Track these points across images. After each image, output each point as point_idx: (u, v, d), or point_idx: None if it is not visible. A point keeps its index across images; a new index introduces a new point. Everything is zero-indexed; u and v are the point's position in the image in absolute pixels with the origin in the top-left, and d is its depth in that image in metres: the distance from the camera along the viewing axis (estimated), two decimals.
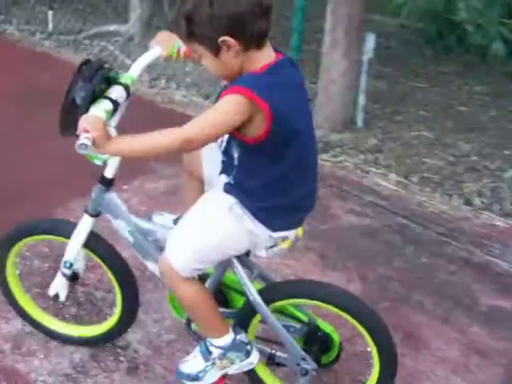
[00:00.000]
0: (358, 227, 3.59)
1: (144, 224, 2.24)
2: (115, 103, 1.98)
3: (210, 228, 1.99)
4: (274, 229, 1.98)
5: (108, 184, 2.20)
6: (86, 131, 1.75)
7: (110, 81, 2.03)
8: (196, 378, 2.19)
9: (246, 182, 1.93)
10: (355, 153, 4.45)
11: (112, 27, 6.33)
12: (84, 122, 1.78)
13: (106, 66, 2.01)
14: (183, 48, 2.17)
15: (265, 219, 1.96)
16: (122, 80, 2.06)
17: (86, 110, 1.89)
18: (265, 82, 1.75)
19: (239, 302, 2.28)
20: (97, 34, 6.27)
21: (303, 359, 2.21)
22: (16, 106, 4.67)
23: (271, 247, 2.04)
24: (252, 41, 1.75)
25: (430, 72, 5.99)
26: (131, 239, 2.24)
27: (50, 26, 6.35)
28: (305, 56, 5.17)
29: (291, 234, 2.04)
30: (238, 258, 2.13)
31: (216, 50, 1.77)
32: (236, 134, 1.81)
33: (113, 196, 2.23)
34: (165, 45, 2.17)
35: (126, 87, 2.04)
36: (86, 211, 2.25)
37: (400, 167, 4.30)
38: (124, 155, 1.93)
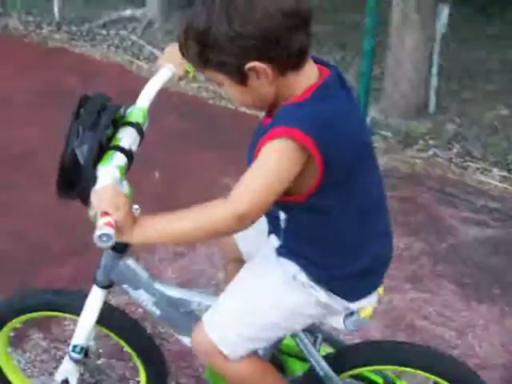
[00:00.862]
0: (484, 241, 3.11)
1: (175, 292, 1.77)
2: (129, 154, 1.47)
3: (270, 303, 1.57)
4: (352, 299, 1.57)
5: (122, 250, 1.71)
6: (106, 214, 1.31)
7: (117, 121, 1.53)
8: None
9: (303, 246, 1.53)
10: (441, 144, 3.97)
11: (127, 12, 5.69)
12: (99, 198, 1.34)
13: (109, 101, 1.51)
14: None
15: (339, 289, 1.55)
16: (132, 118, 1.55)
17: (93, 170, 1.41)
18: (312, 115, 1.33)
19: (298, 367, 1.88)
20: (111, 22, 5.63)
21: None
22: (40, 111, 4.08)
23: (348, 317, 1.63)
24: (290, 62, 1.33)
25: (503, 43, 5.42)
26: (158, 312, 1.78)
27: (57, 14, 5.69)
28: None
29: (373, 298, 1.62)
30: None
31: (242, 79, 1.34)
32: None
33: (129, 262, 1.74)
34: (176, 61, 1.68)
35: (139, 128, 1.54)
36: (96, 282, 1.75)
37: (496, 158, 3.83)
38: (155, 242, 1.47)
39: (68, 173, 1.45)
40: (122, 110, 1.55)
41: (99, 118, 1.44)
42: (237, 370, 1.62)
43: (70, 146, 1.45)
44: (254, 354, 1.65)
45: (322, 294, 1.53)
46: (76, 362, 1.86)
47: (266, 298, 1.56)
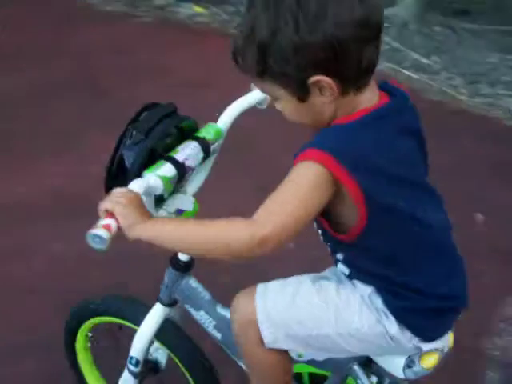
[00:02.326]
0: None
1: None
2: (181, 167, 1.45)
3: (335, 315, 1.42)
4: (425, 337, 1.42)
5: (184, 268, 1.72)
6: (111, 215, 1.26)
7: (185, 133, 1.52)
8: None
9: (371, 278, 1.41)
10: None
11: None
12: (111, 199, 1.28)
13: (177, 112, 1.51)
14: None
15: (413, 323, 1.40)
16: (201, 133, 1.54)
17: (138, 175, 1.40)
18: (354, 143, 1.22)
19: None
20: None
21: None
22: None
23: (410, 364, 1.45)
24: (356, 79, 1.22)
25: None
26: (219, 335, 1.73)
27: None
28: None
29: (442, 344, 1.45)
30: (360, 363, 1.54)
31: (303, 93, 1.23)
32: (326, 227, 1.34)
33: (191, 282, 1.74)
34: None
35: (204, 143, 1.52)
36: (158, 299, 1.76)
37: None
38: (161, 245, 1.29)
39: (114, 177, 1.44)
40: (193, 123, 1.54)
41: (157, 125, 1.44)
42: (261, 358, 1.50)
43: (120, 149, 1.44)
44: (286, 352, 1.52)
45: (393, 324, 1.40)
46: (132, 374, 1.86)
47: (332, 308, 1.42)
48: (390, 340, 1.41)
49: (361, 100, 1.25)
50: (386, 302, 1.40)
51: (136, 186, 1.35)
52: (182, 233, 1.29)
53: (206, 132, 1.54)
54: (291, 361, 1.57)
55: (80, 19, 4.86)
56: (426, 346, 1.44)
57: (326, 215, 1.29)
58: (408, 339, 1.41)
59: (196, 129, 1.54)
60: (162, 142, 1.46)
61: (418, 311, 1.39)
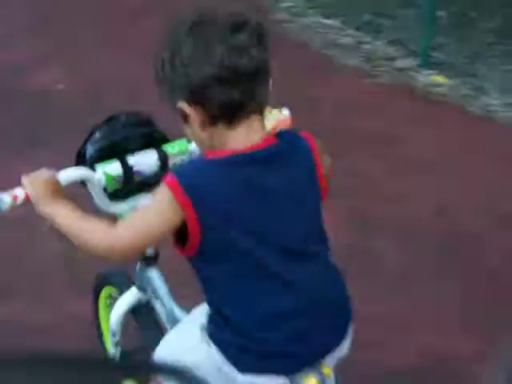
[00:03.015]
0: None
1: (181, 316, 1.82)
2: (128, 169, 1.67)
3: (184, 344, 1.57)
4: (241, 368, 1.45)
5: (147, 261, 1.89)
6: (23, 187, 1.56)
7: (154, 142, 1.73)
8: None
9: (209, 299, 1.54)
10: None
11: None
12: (29, 175, 1.57)
13: (152, 123, 1.76)
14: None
15: (230, 354, 1.47)
16: (167, 145, 1.72)
17: (91, 166, 1.68)
18: (204, 179, 1.38)
19: None
20: None
21: None
22: None
23: None
24: (218, 113, 1.37)
25: None
26: (168, 328, 1.86)
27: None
28: None
29: (278, 381, 1.47)
30: None
31: (183, 118, 1.43)
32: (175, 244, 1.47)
33: (153, 274, 1.91)
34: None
35: (163, 155, 1.70)
36: (134, 282, 1.99)
37: None
38: (53, 224, 1.51)
39: (76, 164, 1.71)
40: (163, 135, 1.76)
41: (122, 130, 1.71)
42: None
43: (85, 142, 1.72)
44: None
45: (216, 354, 1.49)
46: (113, 343, 2.13)
47: (182, 339, 1.62)
48: (219, 370, 1.48)
49: (233, 136, 1.39)
50: (209, 331, 1.51)
51: (65, 173, 1.63)
52: (67, 221, 1.50)
53: (171, 146, 1.73)
54: None
55: (317, 70, 4.71)
56: (247, 379, 1.46)
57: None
58: (230, 369, 1.47)
59: (167, 141, 1.74)
60: (123, 143, 1.70)
61: (236, 343, 1.46)
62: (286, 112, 1.74)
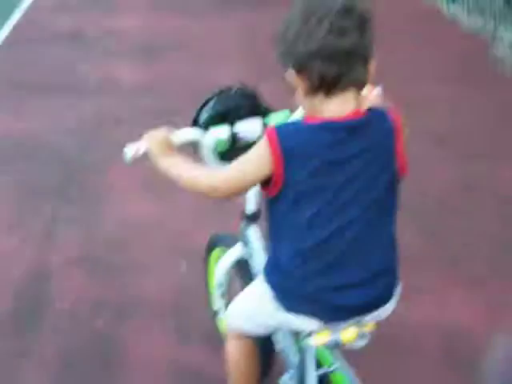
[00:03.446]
0: None
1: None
2: (233, 135, 1.90)
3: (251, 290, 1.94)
4: (288, 307, 1.73)
5: (248, 219, 2.14)
6: (144, 143, 1.84)
7: (259, 113, 1.96)
8: None
9: (270, 243, 1.80)
10: None
11: None
12: (148, 134, 1.86)
13: (257, 99, 1.99)
14: None
15: (279, 293, 1.74)
16: (270, 115, 1.96)
17: (205, 128, 1.93)
18: (299, 133, 1.60)
19: None
20: None
21: None
22: None
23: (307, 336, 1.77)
24: (317, 85, 1.57)
25: None
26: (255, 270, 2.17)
27: None
28: None
29: (316, 325, 1.71)
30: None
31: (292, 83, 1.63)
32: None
33: (252, 231, 2.16)
34: None
35: (266, 125, 1.93)
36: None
37: None
38: (169, 177, 1.79)
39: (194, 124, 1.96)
40: (267, 107, 1.98)
41: (231, 101, 1.95)
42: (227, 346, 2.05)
43: (200, 109, 1.96)
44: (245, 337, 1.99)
45: (270, 294, 1.76)
46: (219, 296, 2.45)
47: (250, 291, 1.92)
48: (275, 311, 1.77)
49: (329, 105, 1.59)
50: (266, 273, 1.79)
51: (180, 133, 1.89)
52: (179, 171, 1.76)
53: (274, 116, 1.95)
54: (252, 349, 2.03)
55: None
56: (292, 318, 1.72)
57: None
58: (278, 307, 1.75)
59: (270, 112, 1.96)
60: (233, 112, 1.93)
61: (284, 288, 1.72)
62: (378, 89, 1.87)
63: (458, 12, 6.97)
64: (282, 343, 2.12)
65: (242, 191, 1.71)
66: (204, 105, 1.98)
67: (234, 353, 2.02)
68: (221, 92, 1.99)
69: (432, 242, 3.37)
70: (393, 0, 7.22)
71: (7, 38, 6.65)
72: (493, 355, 1.69)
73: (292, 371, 2.06)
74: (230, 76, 4.96)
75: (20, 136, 4.57)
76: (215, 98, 1.98)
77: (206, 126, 1.93)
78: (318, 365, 1.89)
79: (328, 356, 1.88)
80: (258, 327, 1.92)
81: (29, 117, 4.89)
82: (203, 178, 1.70)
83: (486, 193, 3.80)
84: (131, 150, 1.85)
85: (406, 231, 3.07)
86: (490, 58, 5.75)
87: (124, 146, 1.89)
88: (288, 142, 1.57)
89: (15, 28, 6.94)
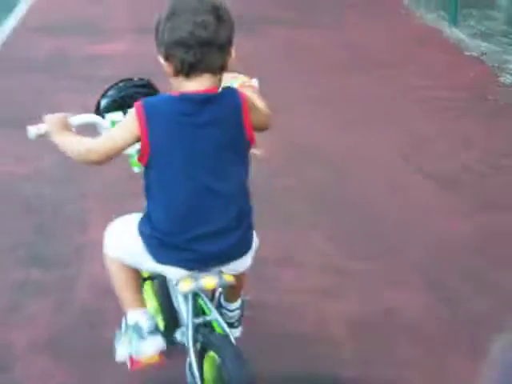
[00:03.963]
0: None
1: None
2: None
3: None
4: (157, 259, 2.08)
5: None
6: (45, 123, 2.18)
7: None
8: (118, 349, 2.31)
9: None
10: None
11: None
12: (47, 116, 2.20)
13: (153, 88, 2.32)
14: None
15: (148, 245, 2.08)
16: None
17: (102, 116, 2.28)
18: (159, 103, 1.99)
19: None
20: None
21: None
22: None
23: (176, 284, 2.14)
24: (178, 69, 1.94)
25: None
26: None
27: None
28: None
29: (182, 274, 2.07)
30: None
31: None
32: None
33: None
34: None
35: None
36: None
37: None
38: (62, 150, 2.13)
39: (94, 113, 2.31)
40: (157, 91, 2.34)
41: (128, 90, 2.31)
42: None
43: (101, 97, 2.32)
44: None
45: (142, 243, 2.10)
46: None
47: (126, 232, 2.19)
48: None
49: (188, 85, 1.97)
50: (139, 229, 2.11)
51: (78, 117, 2.24)
52: (68, 143, 2.10)
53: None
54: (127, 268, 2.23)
55: None
56: (161, 269, 2.10)
57: None
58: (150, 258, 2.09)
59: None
60: (127, 100, 2.23)
61: (152, 237, 2.06)
62: (254, 80, 2.27)
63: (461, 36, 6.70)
64: (173, 298, 2.33)
65: (115, 153, 2.02)
66: (104, 93, 2.31)
67: (115, 270, 2.24)
68: (120, 81, 2.34)
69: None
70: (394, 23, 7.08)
71: None
72: (493, 357, 1.61)
73: (183, 326, 2.24)
74: None
75: None
76: (114, 87, 2.32)
77: (105, 111, 2.28)
78: (200, 314, 2.18)
79: (208, 308, 2.17)
80: (138, 265, 2.22)
81: None
82: (84, 144, 2.05)
83: None
84: (34, 129, 2.19)
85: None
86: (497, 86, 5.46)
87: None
88: (151, 108, 1.95)
89: None
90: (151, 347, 2.20)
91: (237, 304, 2.46)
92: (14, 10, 8.24)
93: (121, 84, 2.31)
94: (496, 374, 1.51)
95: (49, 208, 3.85)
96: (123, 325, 2.29)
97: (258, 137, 2.07)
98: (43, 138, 2.19)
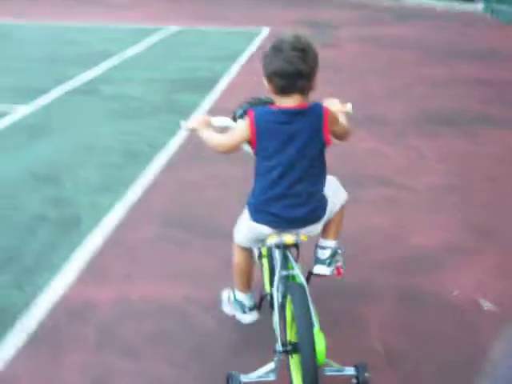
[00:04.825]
0: None
1: None
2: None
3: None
4: (254, 218, 2.81)
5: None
6: (192, 121, 3.01)
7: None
8: (223, 305, 3.27)
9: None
10: None
11: None
12: (196, 116, 3.55)
13: (270, 103, 2.86)
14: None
15: (250, 210, 2.84)
16: None
17: (234, 120, 3.03)
18: (265, 114, 2.70)
19: None
20: None
21: None
22: None
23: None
24: (276, 89, 2.68)
25: None
26: None
27: None
28: None
29: (269, 231, 2.78)
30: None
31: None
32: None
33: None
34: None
35: None
36: None
37: None
38: (204, 141, 2.93)
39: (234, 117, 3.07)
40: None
41: (249, 106, 3.00)
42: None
43: (237, 108, 3.08)
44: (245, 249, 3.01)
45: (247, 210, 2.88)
46: None
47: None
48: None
49: (283, 101, 2.67)
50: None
51: (218, 119, 3.01)
52: (206, 138, 2.88)
53: None
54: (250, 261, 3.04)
55: None
56: (255, 226, 2.80)
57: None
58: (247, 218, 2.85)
59: None
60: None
61: (250, 201, 2.83)
62: (349, 105, 2.95)
63: None
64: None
65: (236, 146, 2.79)
66: (239, 106, 3.05)
67: (237, 258, 3.01)
68: (252, 98, 3.06)
69: None
70: None
71: None
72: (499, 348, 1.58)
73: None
74: None
75: None
76: (245, 103, 3.04)
77: (239, 118, 3.00)
78: (287, 269, 2.82)
79: (292, 264, 2.82)
80: (248, 241, 2.94)
81: None
82: (218, 138, 2.85)
83: None
84: (185, 124, 3.01)
85: None
86: None
87: None
88: (259, 118, 2.67)
89: None
90: (249, 319, 3.16)
91: (329, 243, 3.07)
92: None
93: (252, 100, 3.04)
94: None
95: None
96: (231, 294, 3.18)
97: None
98: (192, 131, 3.00)
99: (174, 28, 13.41)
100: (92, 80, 8.84)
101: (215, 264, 3.62)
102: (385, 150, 6.10)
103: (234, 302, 3.14)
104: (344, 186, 3.06)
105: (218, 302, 3.33)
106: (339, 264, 3.09)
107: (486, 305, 3.54)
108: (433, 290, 3.69)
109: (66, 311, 3.52)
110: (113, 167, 5.62)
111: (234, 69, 9.68)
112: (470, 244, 4.26)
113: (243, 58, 10.44)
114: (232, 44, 11.85)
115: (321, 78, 2.70)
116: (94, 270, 3.93)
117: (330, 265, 3.05)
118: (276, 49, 2.62)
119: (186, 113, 7.01)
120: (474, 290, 3.69)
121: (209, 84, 8.55)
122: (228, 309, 3.22)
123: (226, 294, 3.23)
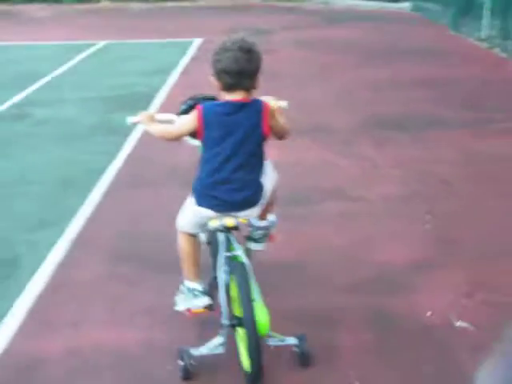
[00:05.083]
0: None
1: None
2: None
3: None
4: (198, 203, 3.07)
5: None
6: (139, 116, 3.28)
7: None
8: (177, 303, 3.33)
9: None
10: None
11: None
12: (141, 113, 3.30)
13: (214, 99, 3.17)
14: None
15: (195, 194, 3.10)
16: None
17: (179, 115, 3.26)
18: (213, 106, 3.01)
19: None
20: None
21: None
22: None
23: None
24: (223, 86, 2.96)
25: None
26: None
27: None
28: None
29: (211, 214, 3.02)
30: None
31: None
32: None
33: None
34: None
35: None
36: None
37: None
38: (151, 134, 3.25)
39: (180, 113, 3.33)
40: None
41: (195, 101, 3.24)
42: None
43: (181, 104, 3.35)
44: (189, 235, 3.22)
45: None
46: None
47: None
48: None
49: (228, 96, 2.97)
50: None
51: (161, 115, 3.34)
52: (154, 130, 3.21)
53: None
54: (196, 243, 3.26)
55: None
56: (198, 209, 3.06)
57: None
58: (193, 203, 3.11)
59: None
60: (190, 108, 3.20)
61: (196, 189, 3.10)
62: (284, 103, 3.20)
63: None
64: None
65: (183, 134, 3.08)
66: (183, 102, 3.29)
67: (184, 244, 3.20)
68: (195, 94, 3.31)
69: None
70: None
71: None
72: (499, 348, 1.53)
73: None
74: None
75: None
76: (189, 99, 3.29)
77: (182, 113, 3.22)
78: (230, 250, 3.05)
79: (234, 246, 3.04)
80: (193, 226, 3.15)
81: None
82: (165, 127, 3.16)
83: None
84: (131, 119, 3.28)
85: None
86: None
87: None
88: (207, 110, 2.96)
89: None
90: (201, 303, 3.22)
91: (264, 223, 3.27)
92: None
93: (196, 96, 3.28)
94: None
95: None
96: (182, 287, 3.27)
97: None
98: (137, 124, 3.31)
99: (104, 43, 12.99)
100: (21, 103, 8.40)
101: (171, 302, 3.34)
102: (334, 160, 5.91)
103: (186, 293, 3.25)
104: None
105: (176, 343, 3.15)
106: (271, 234, 3.38)
107: (461, 325, 3.37)
108: (403, 313, 3.51)
109: (12, 368, 3.21)
110: (50, 199, 5.27)
111: (171, 81, 9.40)
112: (436, 258, 4.10)
113: (178, 70, 10.17)
114: (167, 56, 11.55)
115: (260, 85, 2.98)
116: (38, 320, 3.60)
117: (263, 241, 3.34)
118: (225, 49, 2.90)
119: (123, 133, 6.68)
120: (447, 310, 3.52)
121: (146, 99, 8.22)
122: (182, 304, 3.28)
123: (178, 295, 3.32)
